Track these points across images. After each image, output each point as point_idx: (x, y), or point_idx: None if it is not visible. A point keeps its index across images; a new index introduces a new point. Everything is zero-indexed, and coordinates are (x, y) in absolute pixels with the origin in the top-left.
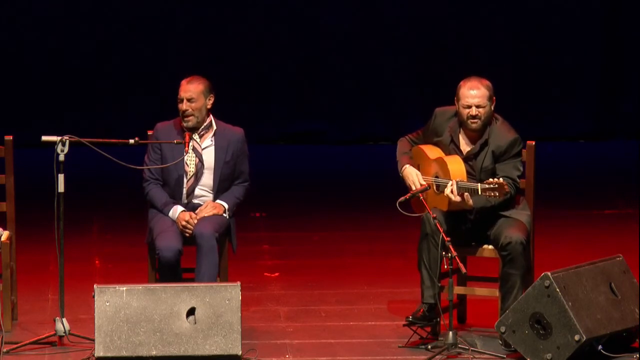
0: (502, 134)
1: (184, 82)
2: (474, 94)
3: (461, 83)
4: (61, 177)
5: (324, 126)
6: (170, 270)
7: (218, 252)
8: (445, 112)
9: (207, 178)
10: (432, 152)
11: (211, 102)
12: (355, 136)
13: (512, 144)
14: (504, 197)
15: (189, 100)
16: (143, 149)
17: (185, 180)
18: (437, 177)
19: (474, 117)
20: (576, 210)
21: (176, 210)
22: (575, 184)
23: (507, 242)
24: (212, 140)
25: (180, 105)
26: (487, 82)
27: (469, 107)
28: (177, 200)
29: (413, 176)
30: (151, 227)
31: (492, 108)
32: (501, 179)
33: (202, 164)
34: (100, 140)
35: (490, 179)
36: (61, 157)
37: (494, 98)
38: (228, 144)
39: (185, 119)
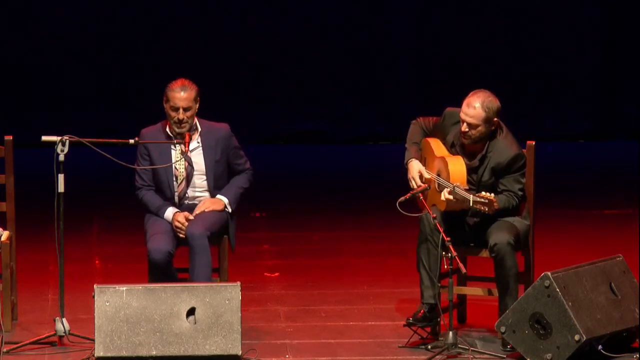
0: (503, 150)
1: (176, 88)
2: (467, 112)
3: (469, 93)
4: (61, 177)
5: (324, 126)
6: (160, 272)
7: (214, 250)
8: (454, 114)
9: (200, 180)
10: (439, 148)
11: (198, 105)
12: (355, 136)
13: (513, 161)
14: (493, 213)
15: (185, 109)
16: None
17: (175, 185)
18: (439, 175)
19: (464, 133)
20: (576, 210)
21: (171, 211)
22: (575, 184)
23: (493, 243)
24: (198, 142)
25: (174, 114)
26: (490, 102)
27: (463, 122)
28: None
29: (414, 171)
30: (146, 230)
31: (491, 129)
32: (492, 195)
33: (192, 167)
34: (100, 140)
35: (483, 193)
36: (61, 157)
37: (495, 120)
38: (216, 143)
39: (181, 125)
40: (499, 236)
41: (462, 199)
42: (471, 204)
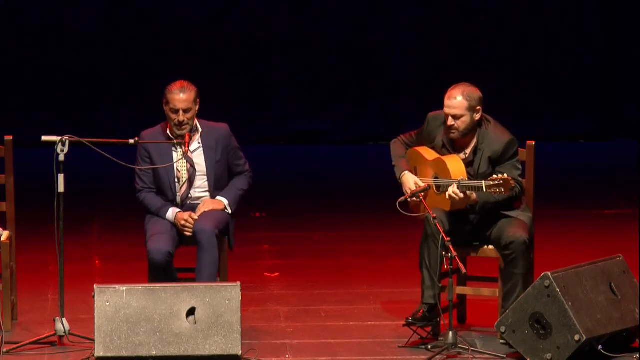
0: (495, 138)
1: (175, 90)
2: (450, 104)
3: (449, 89)
4: (61, 177)
5: (324, 126)
6: (160, 273)
7: (218, 249)
8: (438, 117)
9: (202, 180)
10: (429, 153)
11: (198, 106)
12: (355, 136)
13: (508, 146)
14: (511, 192)
15: (185, 111)
16: None
17: (178, 187)
18: (436, 177)
19: (450, 127)
20: (576, 210)
21: (174, 212)
22: (575, 184)
23: (510, 241)
24: (199, 143)
25: (174, 116)
26: (471, 91)
27: (447, 116)
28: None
29: (411, 183)
30: (146, 230)
31: (477, 118)
32: (506, 175)
33: (194, 169)
34: (100, 140)
35: (495, 176)
36: (61, 157)
37: (478, 108)
38: (216, 143)
39: (182, 127)
40: (515, 234)
41: (470, 191)
42: (484, 190)
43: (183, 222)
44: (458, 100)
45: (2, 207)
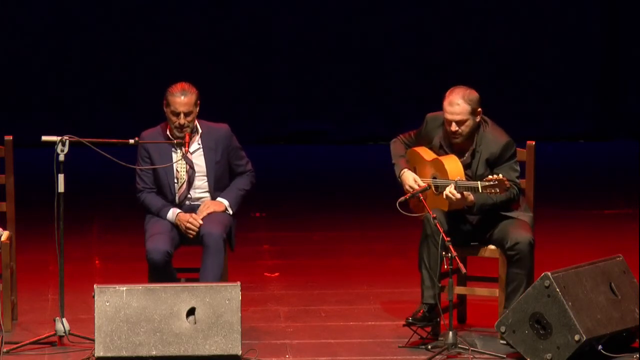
0: (493, 140)
1: (176, 93)
2: (452, 110)
3: (446, 94)
4: (61, 177)
5: (324, 126)
6: (159, 272)
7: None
8: (437, 118)
9: (201, 181)
10: (428, 154)
11: (198, 108)
12: (355, 136)
13: (506, 148)
14: (505, 192)
15: (186, 114)
16: None
17: (177, 187)
18: (435, 178)
19: (454, 132)
20: (576, 210)
21: (175, 212)
22: (575, 184)
23: (515, 242)
24: (199, 143)
25: (175, 119)
26: (470, 94)
27: (450, 122)
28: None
29: (410, 180)
30: (146, 230)
31: (478, 120)
32: (501, 175)
33: (194, 170)
34: (100, 140)
35: (490, 176)
36: (61, 157)
37: (479, 110)
38: (216, 144)
39: (182, 130)
40: (519, 235)
41: (467, 192)
42: (480, 190)
43: (188, 225)
44: (461, 106)
45: (2, 207)
